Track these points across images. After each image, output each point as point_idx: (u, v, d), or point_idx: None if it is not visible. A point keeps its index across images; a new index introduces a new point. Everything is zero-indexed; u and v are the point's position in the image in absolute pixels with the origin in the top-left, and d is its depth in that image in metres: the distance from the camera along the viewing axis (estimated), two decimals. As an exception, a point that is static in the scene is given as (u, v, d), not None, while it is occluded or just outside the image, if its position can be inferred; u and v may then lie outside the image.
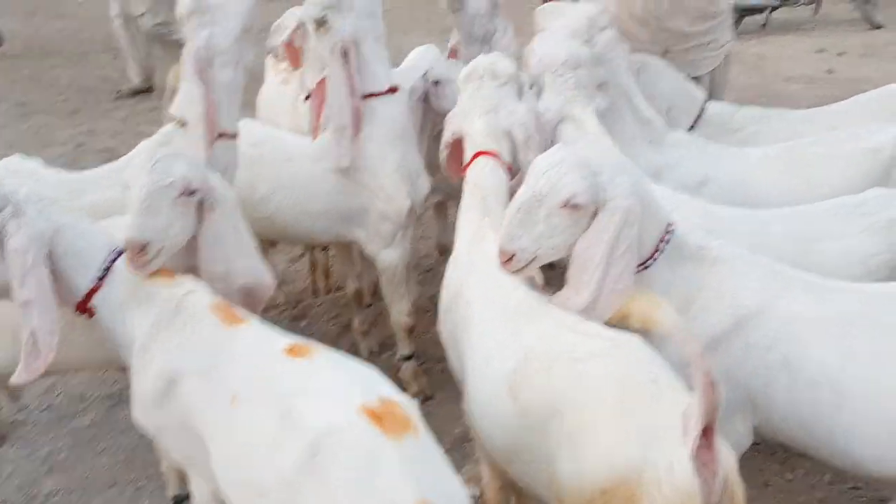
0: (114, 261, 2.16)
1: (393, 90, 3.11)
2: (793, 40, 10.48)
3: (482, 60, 2.65)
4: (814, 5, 10.73)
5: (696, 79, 3.80)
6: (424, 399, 3.47)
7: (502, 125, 2.51)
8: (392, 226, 3.21)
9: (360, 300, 3.80)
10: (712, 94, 3.90)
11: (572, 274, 2.07)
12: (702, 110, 3.43)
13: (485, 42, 3.48)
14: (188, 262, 2.26)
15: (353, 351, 3.90)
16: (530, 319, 2.06)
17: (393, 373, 3.64)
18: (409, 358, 3.49)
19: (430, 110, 3.42)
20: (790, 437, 2.13)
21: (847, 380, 1.98)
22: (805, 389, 2.03)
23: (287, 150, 3.34)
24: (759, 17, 10.77)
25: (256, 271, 2.41)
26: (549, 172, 2.01)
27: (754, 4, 10.46)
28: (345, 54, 2.94)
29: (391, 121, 3.05)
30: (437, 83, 3.33)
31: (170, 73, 3.02)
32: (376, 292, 3.88)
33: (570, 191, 1.98)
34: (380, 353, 3.88)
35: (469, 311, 2.26)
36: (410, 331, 3.43)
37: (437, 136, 3.10)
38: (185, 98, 2.69)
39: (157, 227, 2.10)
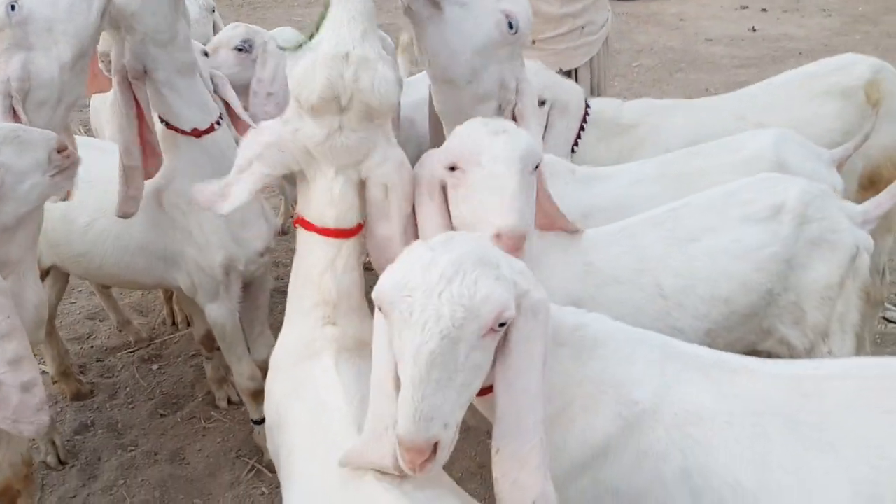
0: None
1: (197, 133, 2.45)
2: (714, -4, 10.07)
3: (343, 76, 1.60)
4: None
5: (572, 73, 3.16)
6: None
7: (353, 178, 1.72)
8: (209, 279, 2.62)
9: (209, 345, 3.17)
10: (595, 89, 3.26)
11: (505, 435, 1.36)
12: (586, 109, 2.84)
13: None
14: None
15: (211, 400, 3.33)
16: None
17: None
18: (261, 422, 2.92)
19: None
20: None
21: (766, 498, 1.47)
22: None
23: (111, 170, 2.72)
24: (679, -26, 10.30)
25: None
26: (443, 294, 1.28)
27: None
28: (127, 81, 2.31)
29: (199, 163, 2.42)
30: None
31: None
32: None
33: (498, 303, 1.30)
34: (240, 404, 3.29)
35: (290, 466, 1.65)
36: (256, 395, 2.83)
37: None
38: None
39: None
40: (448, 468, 2.90)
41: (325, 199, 1.71)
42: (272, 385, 1.82)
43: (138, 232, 2.62)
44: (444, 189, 1.71)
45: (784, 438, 1.46)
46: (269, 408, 1.81)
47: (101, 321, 3.93)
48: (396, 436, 1.27)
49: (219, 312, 2.67)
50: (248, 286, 2.77)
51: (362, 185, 1.72)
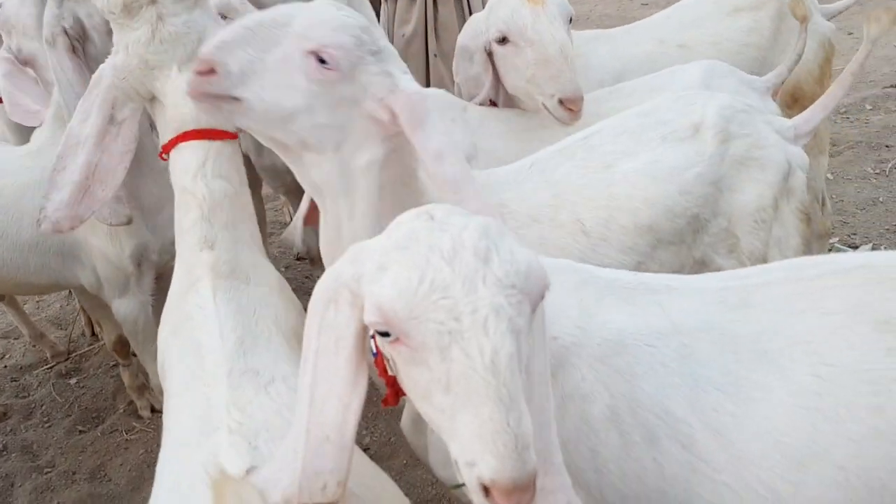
0: None
1: None
2: (646, -40, 9.99)
3: None
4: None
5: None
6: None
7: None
8: (117, 271, 2.40)
9: (123, 351, 2.93)
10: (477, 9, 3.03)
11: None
12: None
13: None
14: None
15: (133, 410, 3.09)
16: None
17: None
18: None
19: None
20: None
21: (701, 428, 1.30)
22: (643, 450, 1.34)
23: None
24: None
25: None
26: (487, 279, 0.97)
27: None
28: (72, 46, 2.11)
29: None
30: None
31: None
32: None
33: (542, 271, 1.02)
34: (164, 410, 3.06)
35: (167, 414, 1.48)
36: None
37: None
38: None
39: None
40: (391, 456, 2.78)
41: (178, 100, 1.66)
42: (161, 333, 1.69)
43: (28, 225, 2.36)
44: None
45: (715, 356, 1.29)
46: (159, 359, 1.67)
47: (15, 339, 3.66)
48: (485, 483, 0.90)
49: (129, 307, 2.45)
50: (160, 278, 2.53)
51: None
